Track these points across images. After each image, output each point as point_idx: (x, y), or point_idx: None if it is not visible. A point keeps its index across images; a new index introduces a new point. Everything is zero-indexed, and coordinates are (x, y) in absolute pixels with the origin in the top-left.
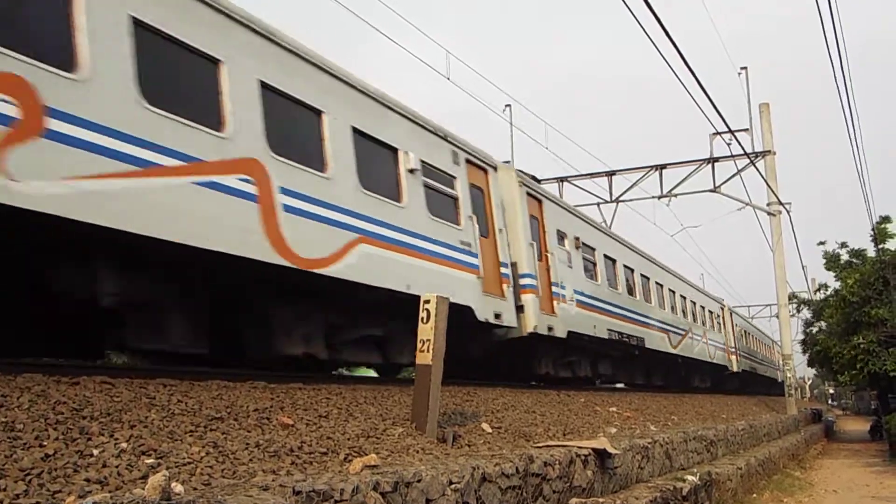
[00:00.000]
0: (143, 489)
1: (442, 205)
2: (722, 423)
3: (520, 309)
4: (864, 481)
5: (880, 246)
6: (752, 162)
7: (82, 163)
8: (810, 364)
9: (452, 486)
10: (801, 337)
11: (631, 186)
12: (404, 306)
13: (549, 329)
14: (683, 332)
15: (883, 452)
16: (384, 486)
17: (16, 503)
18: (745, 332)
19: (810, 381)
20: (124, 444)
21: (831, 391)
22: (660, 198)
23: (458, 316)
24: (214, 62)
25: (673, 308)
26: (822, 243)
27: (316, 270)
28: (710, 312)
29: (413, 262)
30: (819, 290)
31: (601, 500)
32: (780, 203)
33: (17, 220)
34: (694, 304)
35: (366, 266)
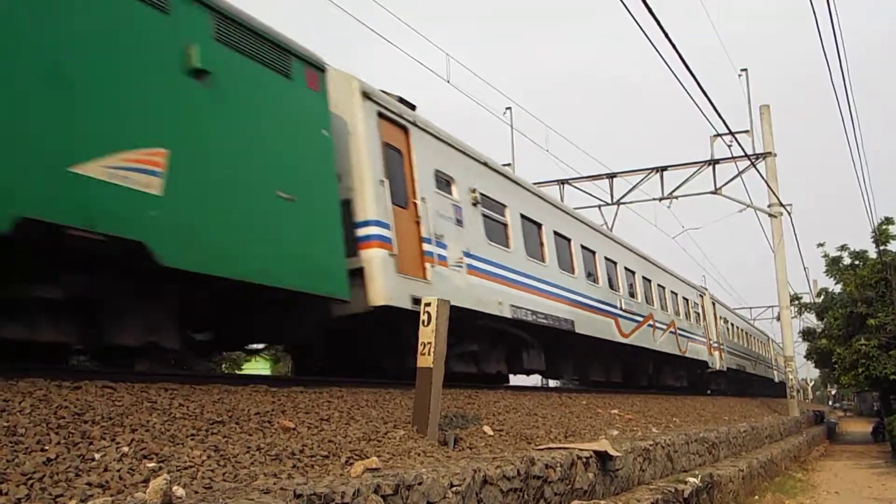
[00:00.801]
0: (145, 493)
1: (696, 319)
2: (724, 425)
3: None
4: (867, 483)
5: (882, 248)
6: (752, 164)
7: None
8: (809, 358)
9: (453, 488)
10: (802, 338)
11: (632, 189)
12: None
13: (721, 366)
14: (756, 359)
15: (885, 454)
16: (385, 489)
17: None
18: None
19: (812, 382)
20: (126, 448)
21: (833, 392)
22: (661, 200)
23: (698, 365)
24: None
25: (753, 346)
26: (821, 244)
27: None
28: (763, 344)
29: (701, 347)
30: (819, 294)
31: (602, 502)
32: (781, 204)
33: None
34: (759, 341)
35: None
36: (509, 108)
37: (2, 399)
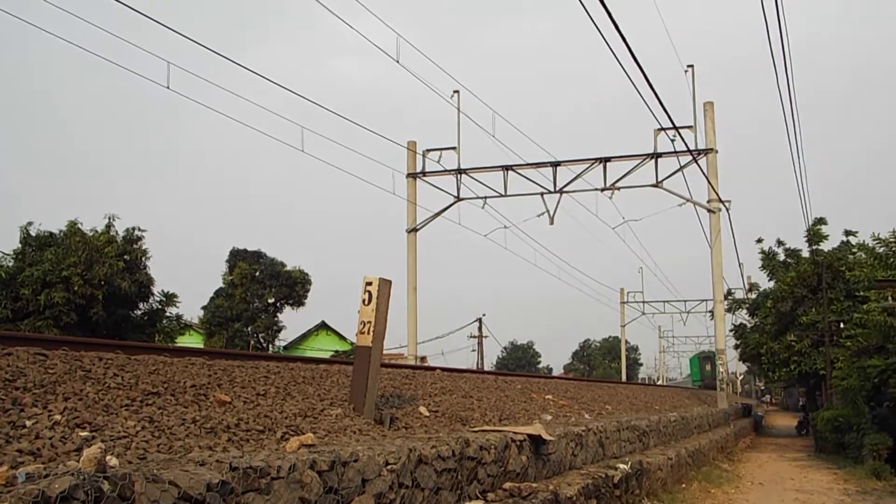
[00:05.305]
0: (78, 462)
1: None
2: (655, 415)
3: None
4: (790, 475)
5: (814, 247)
6: (694, 159)
7: None
8: (742, 358)
9: (388, 466)
10: (733, 331)
11: (575, 178)
12: None
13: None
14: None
15: (808, 447)
16: (321, 465)
17: None
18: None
19: (741, 376)
20: (58, 417)
21: (761, 387)
22: (603, 190)
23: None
24: None
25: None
26: (759, 241)
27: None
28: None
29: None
30: (751, 289)
31: (535, 485)
32: (720, 200)
33: None
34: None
35: None
36: (457, 91)
37: None
